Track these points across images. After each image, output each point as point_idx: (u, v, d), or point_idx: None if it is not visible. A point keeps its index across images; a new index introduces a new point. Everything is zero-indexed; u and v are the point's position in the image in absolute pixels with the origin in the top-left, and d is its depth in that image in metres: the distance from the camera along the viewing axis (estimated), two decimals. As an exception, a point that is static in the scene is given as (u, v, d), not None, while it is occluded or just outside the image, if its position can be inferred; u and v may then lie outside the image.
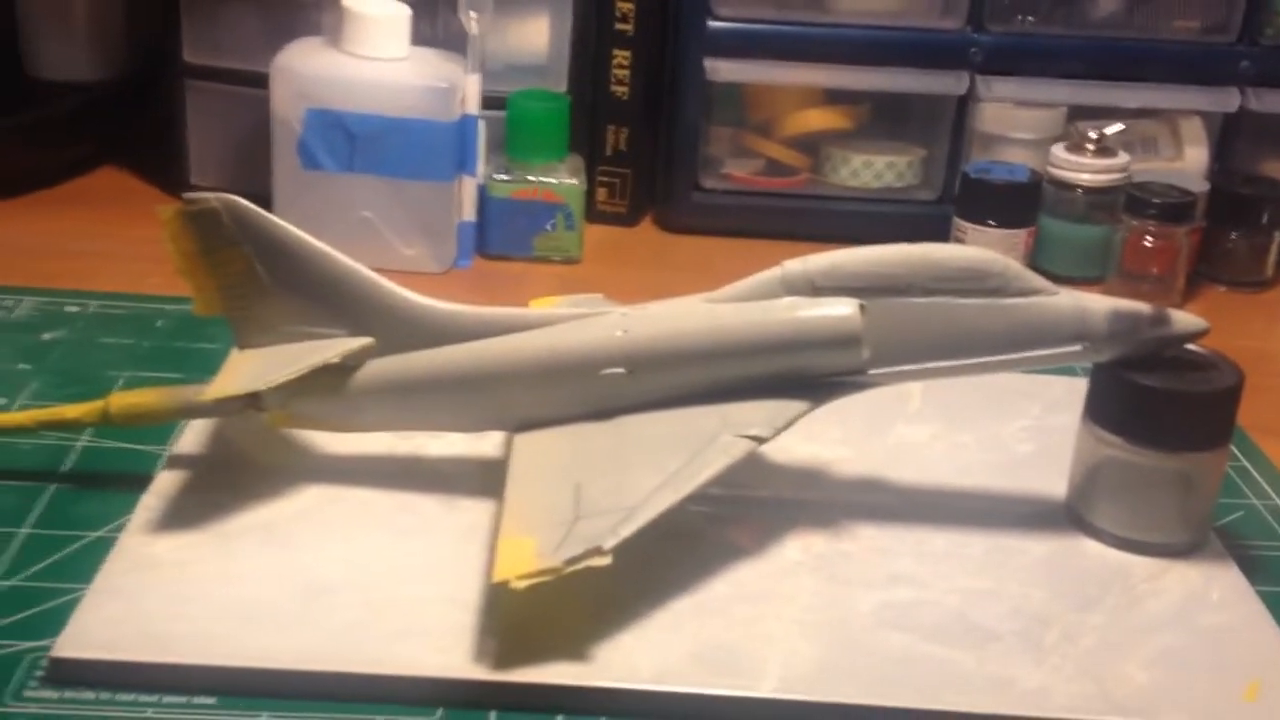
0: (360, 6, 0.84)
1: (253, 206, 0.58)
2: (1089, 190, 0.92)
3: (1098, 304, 0.59)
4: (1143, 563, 0.60)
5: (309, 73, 0.84)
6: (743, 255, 0.95)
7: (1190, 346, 0.61)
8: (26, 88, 0.99)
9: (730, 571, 0.57)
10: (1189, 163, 0.98)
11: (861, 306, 0.57)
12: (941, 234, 0.94)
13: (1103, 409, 0.61)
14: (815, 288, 0.58)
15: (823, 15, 0.95)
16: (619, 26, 0.94)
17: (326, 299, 0.59)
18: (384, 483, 0.62)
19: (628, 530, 0.51)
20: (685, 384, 0.58)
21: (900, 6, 0.96)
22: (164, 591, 0.53)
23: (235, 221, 0.58)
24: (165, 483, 0.61)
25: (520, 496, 0.55)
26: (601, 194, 0.97)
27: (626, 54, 0.95)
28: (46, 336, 0.74)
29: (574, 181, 0.90)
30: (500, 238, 0.91)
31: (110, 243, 0.88)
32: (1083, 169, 0.92)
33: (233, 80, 0.92)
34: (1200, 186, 0.92)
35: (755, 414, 0.57)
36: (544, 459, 0.57)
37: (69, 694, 0.49)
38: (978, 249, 0.60)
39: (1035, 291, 0.59)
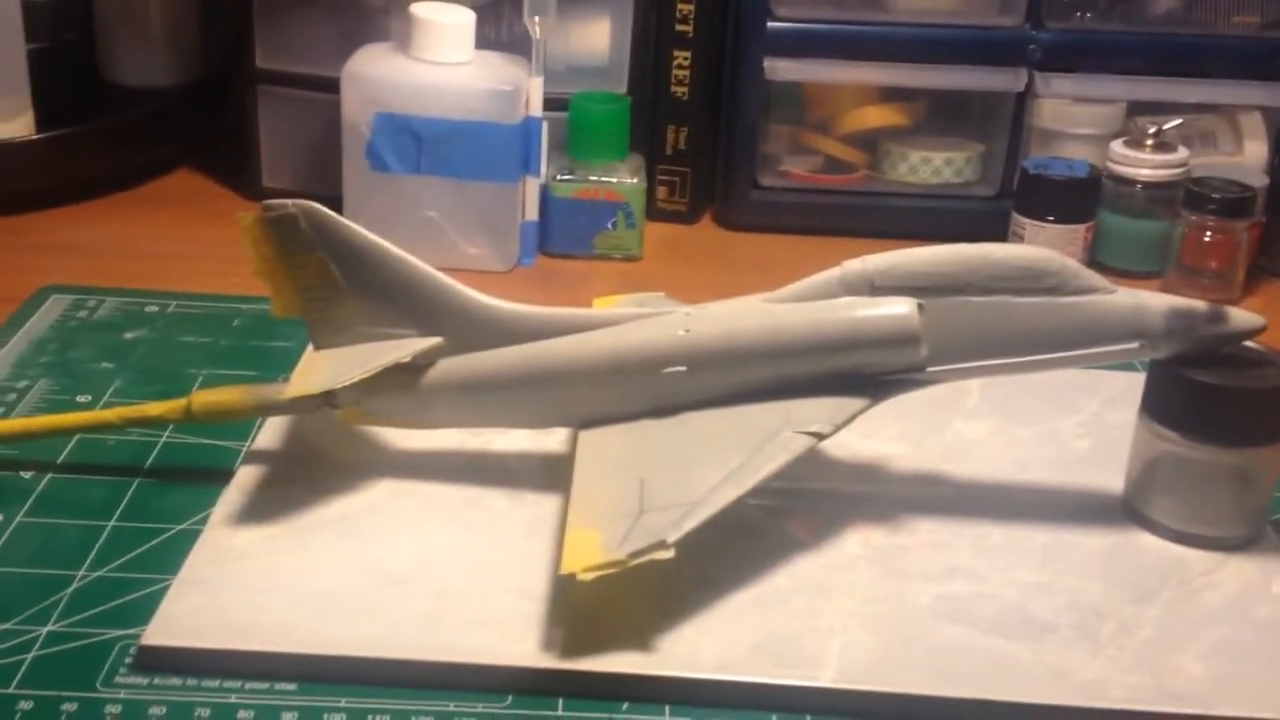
0: (427, 13, 0.86)
1: (329, 212, 0.61)
2: (1148, 185, 0.92)
3: (1155, 301, 0.60)
4: (1199, 556, 0.60)
5: (377, 78, 0.87)
6: (801, 252, 0.97)
7: (1247, 343, 0.61)
8: (104, 93, 1.02)
9: (789, 564, 0.58)
10: (1249, 157, 0.98)
11: (920, 305, 0.59)
12: (1000, 230, 0.95)
13: (1160, 405, 0.61)
14: (874, 287, 0.60)
15: (881, 14, 0.96)
16: (679, 28, 0.95)
17: (398, 301, 0.61)
18: (453, 477, 0.64)
19: (690, 524, 0.53)
20: (746, 382, 0.60)
21: (958, 5, 0.96)
22: (245, 582, 0.56)
23: (312, 227, 0.60)
24: (245, 477, 0.63)
25: (586, 491, 0.56)
26: (662, 192, 0.99)
27: (686, 54, 0.96)
28: (128, 336, 0.77)
29: (634, 181, 0.92)
30: (562, 236, 0.92)
31: (187, 244, 0.91)
32: (1142, 164, 0.92)
33: (304, 85, 0.95)
34: (1260, 181, 0.91)
35: (815, 411, 0.59)
36: (609, 455, 0.59)
37: (157, 680, 0.51)
38: (1035, 248, 0.61)
39: (1092, 290, 0.59)
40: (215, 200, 0.99)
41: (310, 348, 0.63)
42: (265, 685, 0.51)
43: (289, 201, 0.60)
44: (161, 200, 0.98)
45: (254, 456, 0.65)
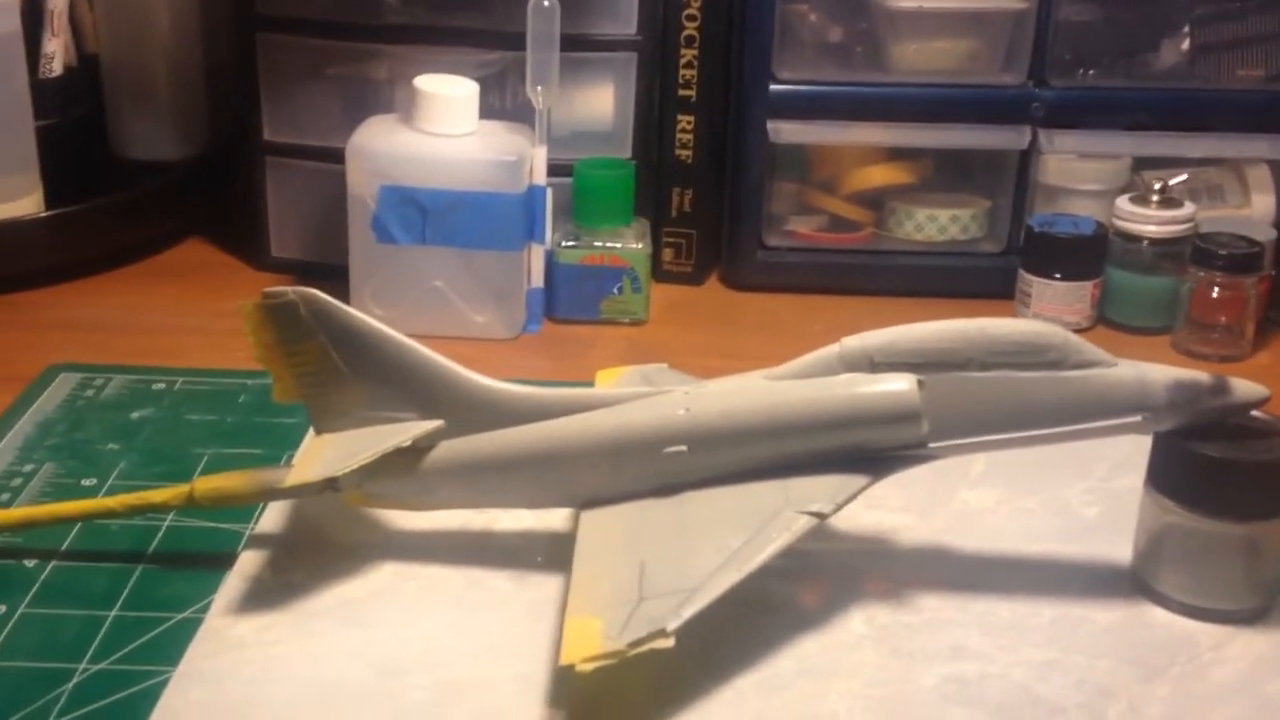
0: (431, 86, 0.87)
1: (328, 299, 0.61)
2: (1155, 241, 0.92)
3: (1157, 374, 0.59)
4: (1208, 630, 0.60)
5: (382, 152, 0.87)
6: (808, 311, 0.97)
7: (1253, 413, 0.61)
8: (112, 168, 1.03)
9: (793, 645, 0.58)
10: (1256, 210, 0.97)
11: (920, 382, 0.58)
12: (1007, 286, 0.95)
13: (1165, 477, 0.61)
14: (873, 364, 0.59)
15: (884, 75, 0.96)
16: (682, 92, 0.96)
17: (398, 385, 0.61)
18: (456, 559, 0.63)
19: (690, 611, 0.53)
20: (747, 460, 0.60)
21: (961, 64, 0.96)
22: (247, 673, 0.56)
23: (312, 314, 0.60)
24: (247, 562, 0.63)
25: (586, 575, 0.56)
26: (668, 254, 0.99)
27: (690, 118, 0.97)
28: (135, 415, 0.77)
29: (639, 246, 0.92)
30: (568, 302, 0.93)
31: (195, 317, 0.92)
32: (1149, 220, 0.92)
33: (311, 156, 0.95)
34: (1268, 234, 0.91)
35: (817, 489, 0.58)
36: (609, 537, 0.59)
37: (159, 777, 0.51)
38: (1035, 322, 0.60)
39: (1094, 364, 0.59)
40: (223, 272, 0.99)
41: (312, 430, 0.63)
42: (266, 781, 0.51)
43: (289, 290, 0.61)
44: (170, 273, 0.99)
45: (256, 541, 0.65)
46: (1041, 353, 0.59)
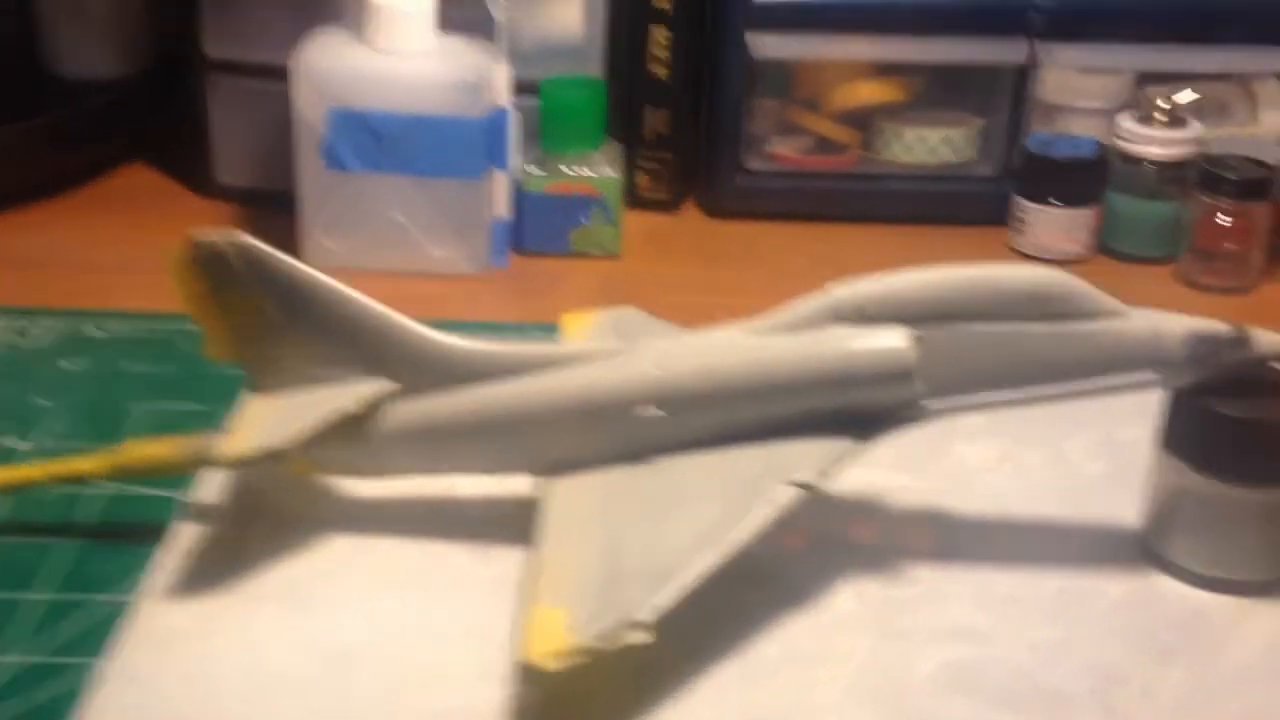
0: None
1: (264, 247, 0.55)
2: (1159, 164, 0.87)
3: (1173, 325, 0.54)
4: (1224, 603, 0.55)
5: (331, 71, 0.80)
6: (791, 240, 0.91)
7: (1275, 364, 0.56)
8: (44, 86, 0.96)
9: (779, 627, 0.53)
10: (1264, 128, 0.92)
11: (916, 336, 0.53)
12: (1001, 212, 0.89)
13: (1180, 439, 0.56)
14: (865, 315, 0.54)
15: (870, -16, 0.90)
16: (657, 3, 0.89)
17: (345, 341, 0.56)
18: (412, 530, 0.58)
19: (665, 600, 0.48)
20: (725, 423, 0.55)
21: (953, -29, 0.90)
22: (183, 669, 0.51)
23: (244, 263, 0.55)
24: (183, 537, 0.58)
25: (550, 558, 0.51)
26: (642, 180, 0.93)
27: (664, 31, 0.90)
28: (65, 365, 0.71)
29: (611, 173, 0.86)
30: (536, 234, 0.87)
31: (135, 250, 0.85)
32: (1152, 141, 0.86)
33: (257, 74, 0.88)
34: (1277, 155, 0.86)
35: (802, 455, 0.53)
36: (575, 511, 0.54)
37: (82, 791, 0.47)
38: (1041, 269, 0.55)
39: (1104, 314, 0.54)
40: (165, 200, 0.93)
41: (246, 391, 0.58)
42: (201, 789, 0.47)
43: (218, 237, 0.55)
44: (110, 202, 0.92)
45: (192, 511, 0.59)
46: (1046, 303, 0.54)
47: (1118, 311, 0.54)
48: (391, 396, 0.56)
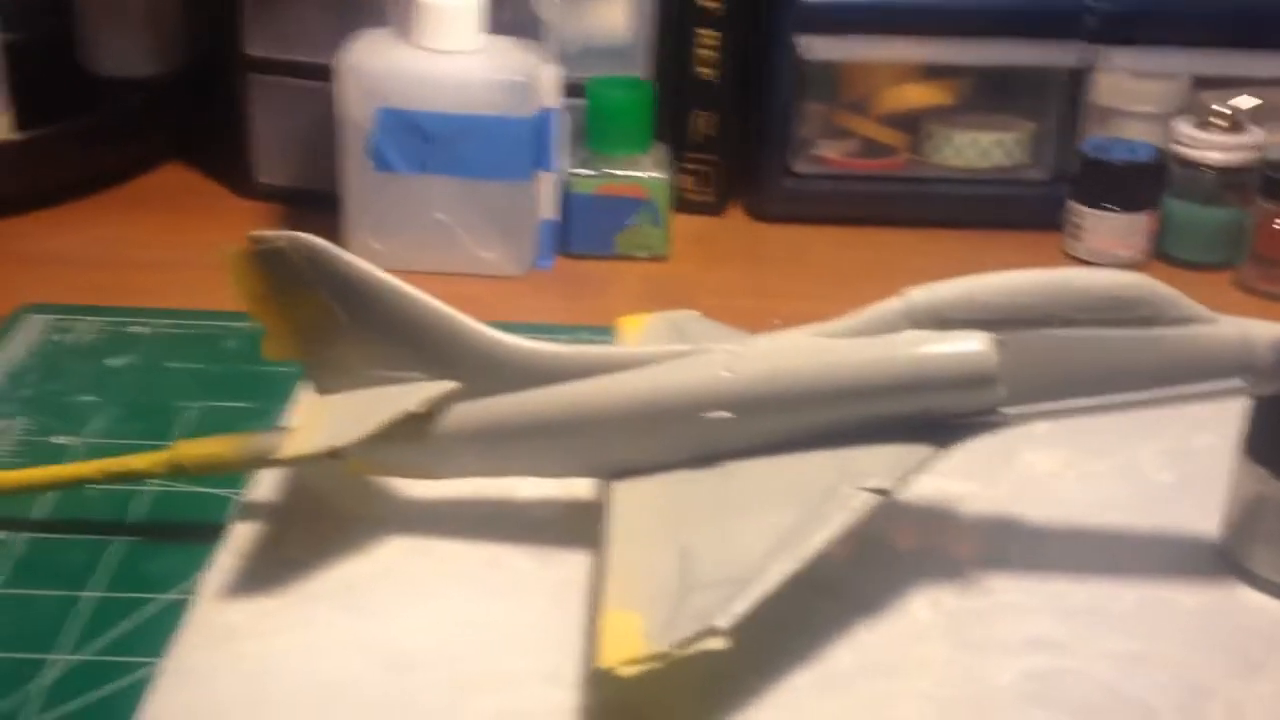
0: (430, -3, 0.79)
1: (325, 244, 0.54)
2: (1218, 169, 0.85)
3: (1263, 331, 0.53)
4: (1310, 616, 0.54)
5: (378, 71, 0.79)
6: (839, 244, 0.90)
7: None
8: (84, 86, 0.95)
9: (853, 636, 0.52)
10: (1326, 135, 0.90)
11: (997, 341, 0.52)
12: (1055, 217, 0.88)
13: (1263, 446, 0.55)
14: (942, 320, 0.53)
15: (923, -15, 0.89)
16: (704, 4, 0.88)
17: (408, 341, 0.54)
18: (471, 532, 0.57)
19: (743, 606, 0.46)
20: (797, 428, 0.53)
21: (1007, -27, 0.89)
22: (240, 669, 0.49)
23: (307, 261, 0.54)
24: (239, 536, 0.56)
25: (621, 562, 0.50)
26: (688, 183, 0.92)
27: (712, 33, 0.89)
28: (111, 362, 0.70)
29: (659, 175, 0.85)
30: (582, 236, 0.85)
31: (176, 249, 0.85)
32: (1211, 146, 0.85)
33: (298, 73, 0.88)
34: (1339, 162, 0.84)
35: (875, 461, 0.52)
36: (644, 515, 0.52)
37: (142, 793, 0.45)
38: (1124, 274, 0.54)
39: (1190, 320, 0.53)
40: (206, 200, 0.92)
41: (307, 387, 0.57)
42: (264, 796, 0.45)
43: (279, 234, 0.54)
44: (149, 201, 0.91)
45: (248, 510, 0.58)
46: (1131, 308, 0.52)
47: (1204, 317, 0.53)
48: (455, 397, 0.55)
